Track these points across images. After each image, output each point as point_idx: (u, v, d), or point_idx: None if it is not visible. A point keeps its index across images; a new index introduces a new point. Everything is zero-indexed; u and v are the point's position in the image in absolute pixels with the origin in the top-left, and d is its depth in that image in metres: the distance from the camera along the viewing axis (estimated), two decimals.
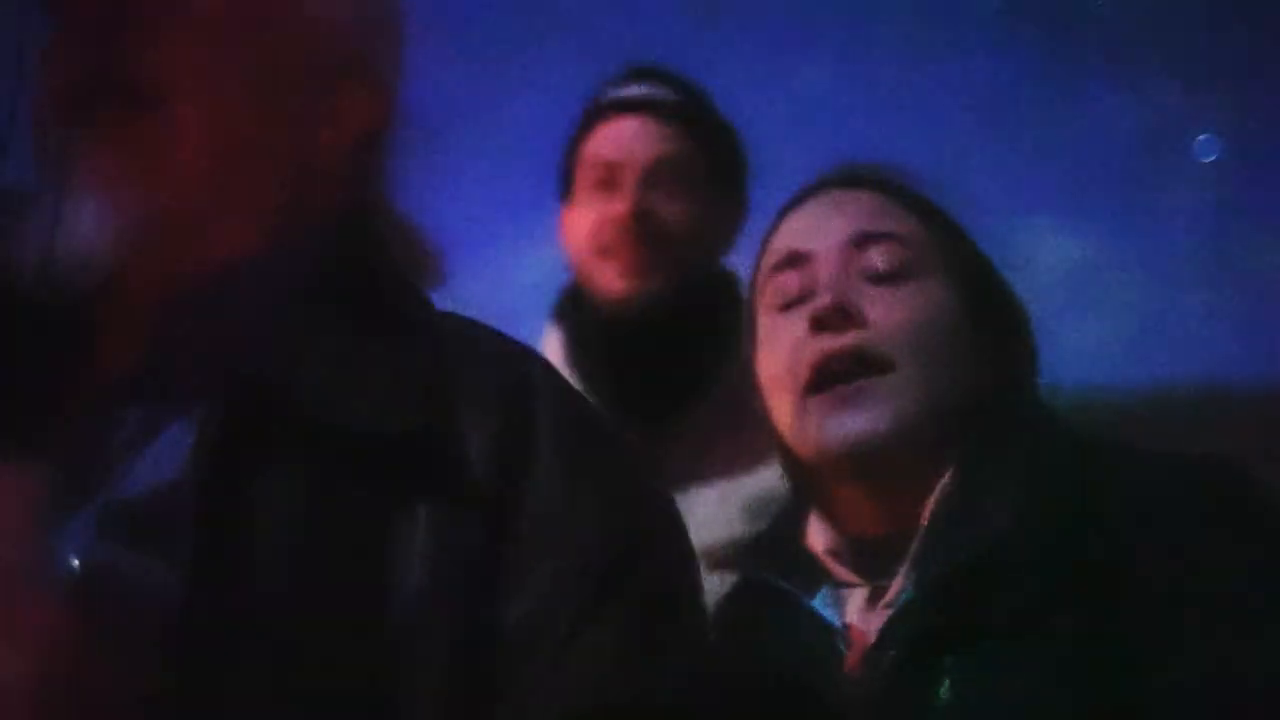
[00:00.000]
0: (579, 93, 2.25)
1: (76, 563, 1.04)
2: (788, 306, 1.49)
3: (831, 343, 1.43)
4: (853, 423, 1.41)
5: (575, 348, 2.15)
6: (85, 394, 1.12)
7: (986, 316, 1.49)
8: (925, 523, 1.41)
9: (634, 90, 2.22)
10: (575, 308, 2.16)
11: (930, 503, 1.41)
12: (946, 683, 1.34)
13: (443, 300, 1.25)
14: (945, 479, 1.41)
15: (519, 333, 1.22)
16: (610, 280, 2.11)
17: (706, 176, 2.17)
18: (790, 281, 1.49)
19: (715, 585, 1.59)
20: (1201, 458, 1.40)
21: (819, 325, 1.44)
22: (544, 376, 1.17)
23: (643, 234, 2.10)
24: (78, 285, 1.12)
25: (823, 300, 1.44)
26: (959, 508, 1.40)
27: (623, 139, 2.18)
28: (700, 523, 2.02)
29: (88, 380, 1.13)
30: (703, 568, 1.88)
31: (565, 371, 2.12)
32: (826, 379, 1.43)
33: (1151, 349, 3.51)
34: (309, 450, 1.08)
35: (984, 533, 1.37)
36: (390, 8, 1.26)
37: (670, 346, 2.05)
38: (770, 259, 1.53)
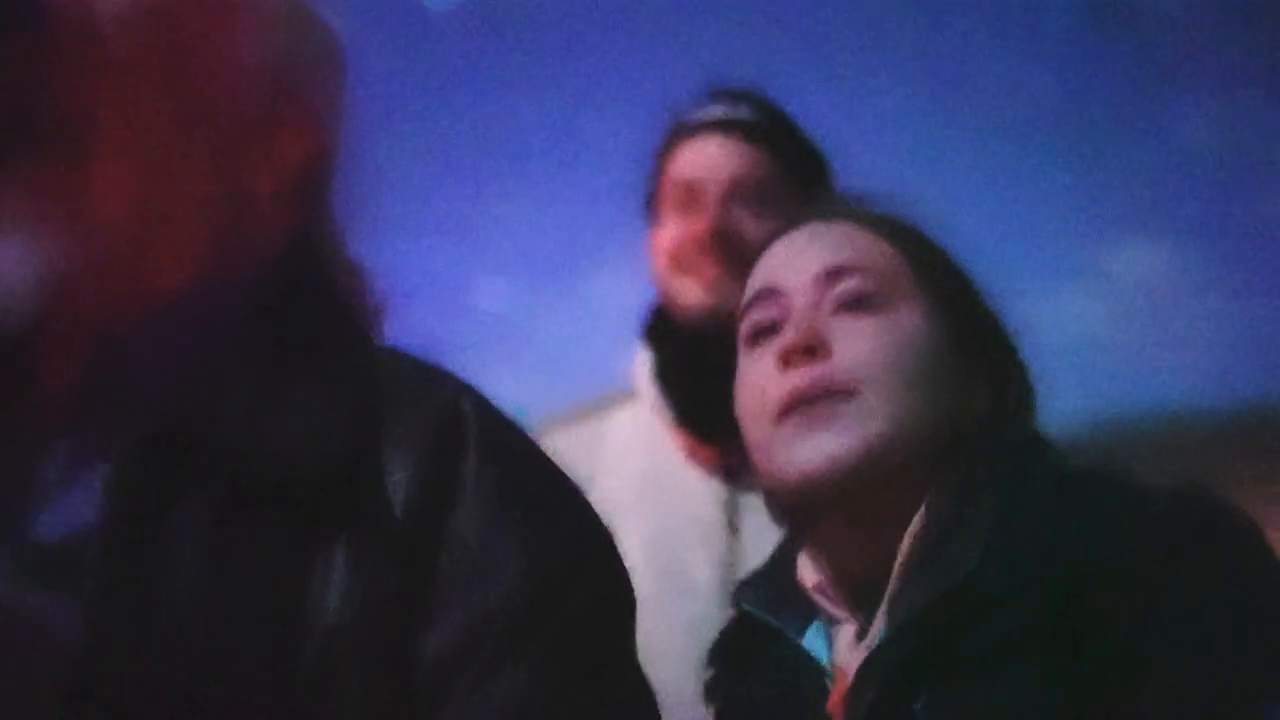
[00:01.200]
0: (655, 114, 2.28)
1: None
2: (758, 340, 1.47)
3: (799, 378, 1.41)
4: (820, 445, 1.39)
5: (661, 363, 2.20)
6: (11, 435, 1.12)
7: (969, 345, 1.46)
8: (901, 559, 1.38)
9: (714, 111, 2.25)
10: (661, 325, 2.22)
11: (905, 539, 1.39)
12: None
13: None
14: (919, 514, 1.39)
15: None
16: (691, 296, 2.15)
17: (789, 194, 2.18)
18: (763, 316, 1.48)
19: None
20: (1182, 489, 1.36)
21: (786, 361, 1.42)
22: (475, 411, 1.14)
23: (722, 251, 2.13)
24: (3, 327, 1.10)
25: (788, 336, 1.43)
26: (931, 544, 1.37)
27: (703, 159, 2.21)
28: (764, 532, 2.04)
29: (14, 422, 1.12)
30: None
31: (653, 386, 2.21)
32: (794, 410, 1.41)
33: (1240, 367, 3.43)
34: (225, 487, 1.06)
35: (954, 569, 1.34)
36: (326, 44, 1.24)
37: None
38: (748, 295, 1.51)
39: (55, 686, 0.99)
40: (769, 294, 1.48)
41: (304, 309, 1.18)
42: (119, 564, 1.03)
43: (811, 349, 1.41)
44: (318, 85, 1.23)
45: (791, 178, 2.20)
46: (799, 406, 1.40)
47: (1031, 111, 3.58)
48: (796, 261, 1.48)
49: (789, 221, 1.55)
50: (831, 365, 1.40)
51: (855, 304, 1.44)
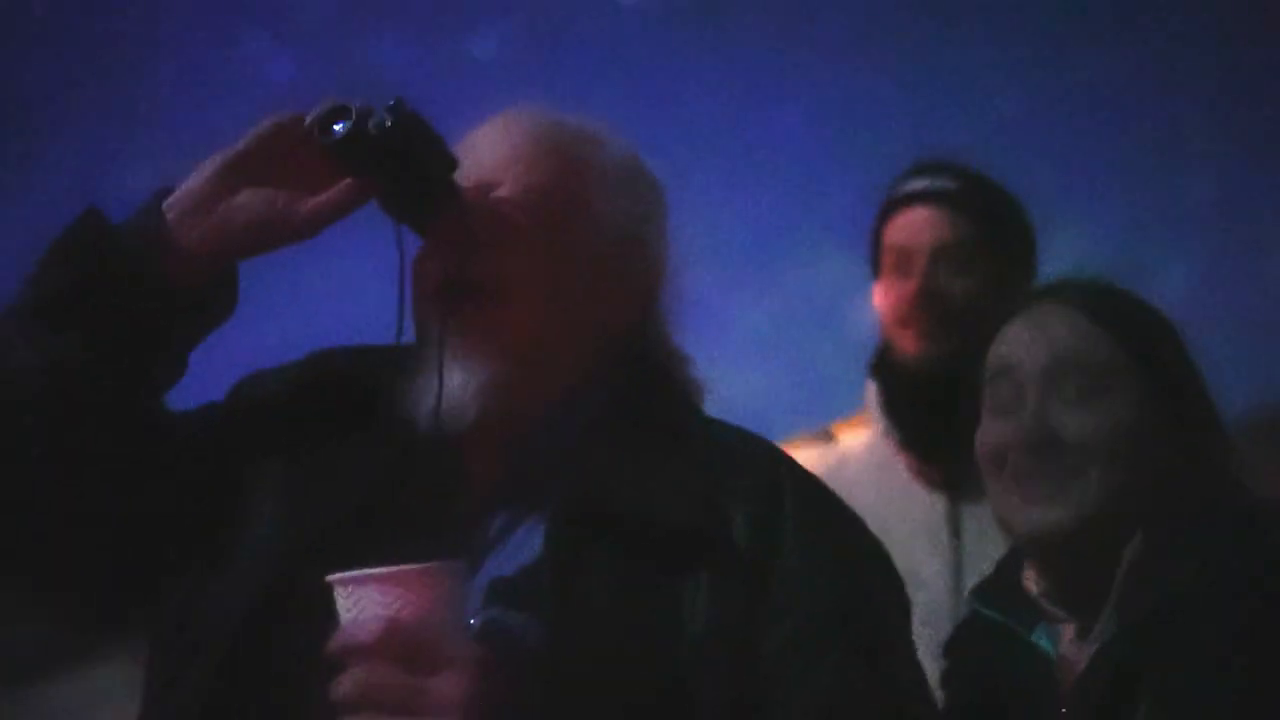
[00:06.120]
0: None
1: (474, 622, 1.49)
2: (1000, 412, 1.84)
3: (1035, 462, 1.78)
4: (1044, 513, 1.78)
5: (887, 395, 2.70)
6: (462, 507, 1.59)
7: (1179, 419, 1.82)
8: (1121, 576, 1.76)
9: (921, 183, 2.73)
10: (885, 362, 2.70)
11: (1124, 561, 1.76)
12: (1144, 706, 1.68)
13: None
14: (1136, 543, 1.76)
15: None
16: (907, 344, 2.67)
17: (991, 253, 2.66)
18: (1001, 390, 1.84)
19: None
20: None
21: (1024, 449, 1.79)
22: (789, 474, 1.60)
23: (930, 309, 2.63)
24: (454, 427, 1.57)
25: (1020, 433, 1.80)
26: (1148, 565, 1.75)
27: (912, 227, 2.70)
28: (983, 534, 2.44)
29: (461, 497, 1.59)
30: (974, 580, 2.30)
31: (882, 414, 2.72)
32: (1027, 480, 1.79)
33: None
34: (622, 537, 1.52)
35: (1168, 587, 1.72)
36: (652, 187, 1.69)
37: (956, 396, 2.46)
38: (991, 364, 1.87)
39: (529, 676, 1.42)
40: (1007, 369, 1.83)
41: (651, 396, 1.63)
42: (562, 591, 1.50)
43: (1043, 443, 1.77)
44: (651, 222, 1.68)
45: (992, 238, 2.67)
46: (1032, 477, 1.78)
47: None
48: (1027, 348, 1.83)
49: (1018, 300, 1.91)
50: (1058, 452, 1.77)
51: (1078, 397, 1.79)
